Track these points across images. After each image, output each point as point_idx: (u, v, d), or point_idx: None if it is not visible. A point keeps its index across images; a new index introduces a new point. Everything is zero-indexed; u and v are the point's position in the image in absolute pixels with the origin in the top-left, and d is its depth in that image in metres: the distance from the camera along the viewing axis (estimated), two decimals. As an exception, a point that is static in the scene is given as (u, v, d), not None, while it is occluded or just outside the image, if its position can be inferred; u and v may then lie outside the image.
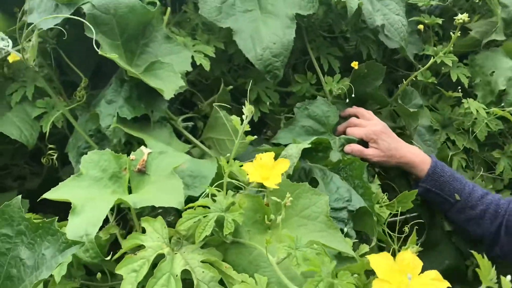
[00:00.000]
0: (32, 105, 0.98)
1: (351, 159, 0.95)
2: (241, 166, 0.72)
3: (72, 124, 1.03)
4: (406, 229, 1.06)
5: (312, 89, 1.25)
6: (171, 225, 0.74)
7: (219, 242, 0.72)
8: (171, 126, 1.01)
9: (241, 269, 0.68)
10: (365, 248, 0.75)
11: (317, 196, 0.75)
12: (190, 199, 0.76)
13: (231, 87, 1.12)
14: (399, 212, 0.98)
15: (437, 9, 1.49)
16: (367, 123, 1.15)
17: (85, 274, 0.79)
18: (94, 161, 0.75)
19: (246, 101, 0.66)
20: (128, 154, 0.81)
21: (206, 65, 1.06)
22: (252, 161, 0.75)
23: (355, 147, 1.10)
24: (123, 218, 0.91)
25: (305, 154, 0.89)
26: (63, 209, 0.75)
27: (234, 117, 0.68)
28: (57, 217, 0.62)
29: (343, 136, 1.13)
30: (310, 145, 0.88)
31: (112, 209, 0.84)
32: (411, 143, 1.20)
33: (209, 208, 0.69)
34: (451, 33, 1.15)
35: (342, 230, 0.74)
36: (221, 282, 0.66)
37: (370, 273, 0.74)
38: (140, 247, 0.67)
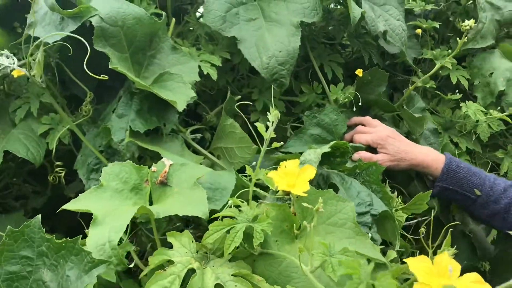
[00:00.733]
0: (37, 121, 0.95)
1: (368, 164, 0.94)
2: (267, 174, 0.71)
3: (77, 140, 1.00)
4: (423, 229, 1.06)
5: (318, 98, 1.25)
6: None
7: (246, 254, 0.70)
8: (182, 138, 0.99)
9: (271, 281, 0.66)
10: (393, 254, 0.74)
11: (343, 202, 0.74)
12: (211, 213, 0.74)
13: (239, 96, 1.11)
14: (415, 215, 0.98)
15: (431, 13, 1.51)
16: (373, 130, 1.15)
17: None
18: (114, 172, 0.73)
19: (271, 107, 0.65)
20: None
21: (213, 75, 1.05)
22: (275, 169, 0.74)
23: (363, 154, 1.09)
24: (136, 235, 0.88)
25: (323, 159, 0.88)
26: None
27: (259, 124, 0.66)
28: (80, 236, 0.59)
29: (351, 144, 1.12)
30: (329, 150, 0.87)
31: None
32: None
33: (236, 219, 0.67)
34: (457, 39, 1.16)
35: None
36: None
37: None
38: (168, 262, 0.65)
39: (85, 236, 0.62)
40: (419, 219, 1.15)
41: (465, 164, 1.09)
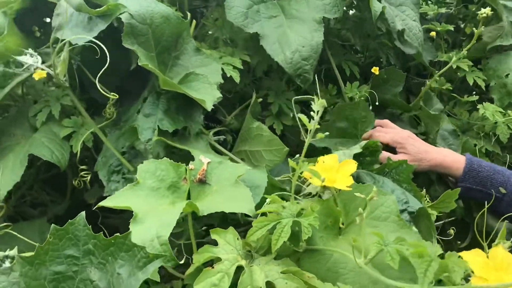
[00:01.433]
0: (58, 124, 0.93)
1: (397, 162, 0.93)
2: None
3: (97, 143, 0.98)
4: (452, 231, 1.05)
5: (333, 99, 1.24)
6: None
7: (290, 252, 0.68)
8: (206, 139, 0.97)
9: (320, 278, 0.64)
10: (438, 249, 0.72)
11: (384, 196, 0.72)
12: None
13: (261, 99, 1.10)
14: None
15: (442, 17, 1.53)
16: (392, 130, 1.15)
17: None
18: (150, 170, 0.71)
19: (315, 96, 0.63)
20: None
21: (236, 77, 1.04)
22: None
23: (383, 154, 1.08)
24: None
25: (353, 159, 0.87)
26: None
27: (301, 115, 0.65)
28: (130, 231, 0.57)
29: None
30: (360, 150, 0.85)
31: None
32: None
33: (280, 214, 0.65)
34: (474, 28, 1.16)
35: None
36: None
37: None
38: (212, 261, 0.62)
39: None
40: (445, 220, 1.14)
41: (487, 163, 1.09)
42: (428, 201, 1.00)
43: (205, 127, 1.12)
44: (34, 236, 0.85)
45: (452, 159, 1.10)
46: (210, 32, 1.19)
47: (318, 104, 0.62)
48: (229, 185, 0.70)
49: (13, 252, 0.57)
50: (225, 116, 1.17)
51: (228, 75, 1.03)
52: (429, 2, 1.54)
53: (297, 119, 0.69)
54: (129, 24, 0.82)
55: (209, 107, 0.87)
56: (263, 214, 0.67)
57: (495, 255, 0.60)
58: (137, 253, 0.53)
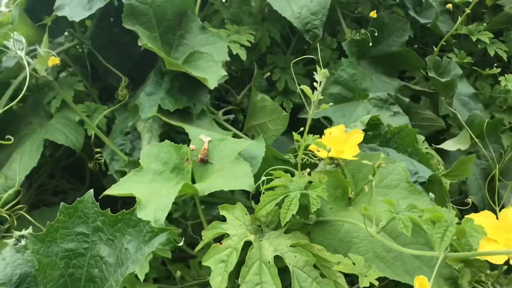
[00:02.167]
0: (72, 110, 0.94)
1: (398, 127, 0.89)
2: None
3: (110, 129, 1.00)
4: (469, 200, 1.02)
5: (335, 54, 1.21)
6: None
7: (300, 226, 0.67)
8: (211, 117, 0.97)
9: (332, 249, 0.63)
10: (453, 212, 0.70)
11: (392, 163, 0.71)
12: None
13: (268, 73, 1.08)
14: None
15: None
16: None
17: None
18: (153, 154, 0.71)
19: (317, 66, 0.62)
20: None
21: (243, 55, 1.03)
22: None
23: None
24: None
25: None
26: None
27: (304, 86, 0.64)
28: (137, 207, 0.58)
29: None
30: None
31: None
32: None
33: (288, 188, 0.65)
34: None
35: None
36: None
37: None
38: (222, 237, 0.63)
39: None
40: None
41: None
42: (443, 169, 0.97)
43: (217, 108, 1.12)
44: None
45: None
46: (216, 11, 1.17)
47: (321, 75, 0.61)
48: (230, 162, 0.70)
49: (28, 231, 0.59)
50: (235, 96, 1.17)
51: (234, 53, 1.02)
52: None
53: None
54: (129, 5, 0.83)
55: (212, 85, 0.86)
56: (271, 188, 0.66)
57: (506, 217, 0.59)
58: (143, 228, 0.54)
